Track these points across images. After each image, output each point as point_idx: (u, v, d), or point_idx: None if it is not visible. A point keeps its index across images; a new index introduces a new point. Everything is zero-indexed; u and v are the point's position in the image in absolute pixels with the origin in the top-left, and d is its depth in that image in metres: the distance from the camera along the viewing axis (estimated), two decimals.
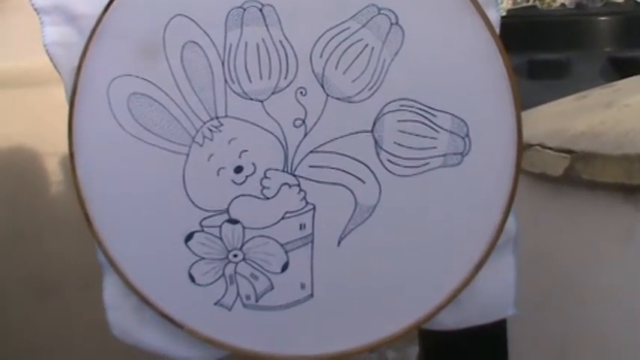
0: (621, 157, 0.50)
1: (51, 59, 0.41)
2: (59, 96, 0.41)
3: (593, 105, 0.62)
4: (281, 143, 0.39)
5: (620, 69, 0.84)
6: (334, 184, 0.39)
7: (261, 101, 0.39)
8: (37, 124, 0.67)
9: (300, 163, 0.39)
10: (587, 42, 0.92)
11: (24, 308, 0.71)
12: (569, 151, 0.54)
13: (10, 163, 0.70)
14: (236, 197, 0.40)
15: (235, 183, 0.40)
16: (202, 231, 0.40)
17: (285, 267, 0.40)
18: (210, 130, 0.39)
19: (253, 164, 0.40)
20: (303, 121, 0.39)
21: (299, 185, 0.40)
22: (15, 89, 0.68)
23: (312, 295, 0.41)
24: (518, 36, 0.85)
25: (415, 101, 0.39)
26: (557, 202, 0.57)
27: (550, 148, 0.56)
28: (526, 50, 0.86)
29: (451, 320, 0.42)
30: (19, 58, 0.68)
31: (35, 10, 0.41)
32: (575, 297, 0.55)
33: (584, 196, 0.54)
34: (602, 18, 0.95)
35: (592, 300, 0.54)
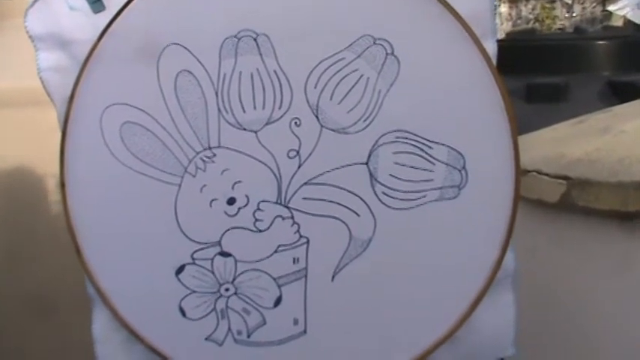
0: (616, 184, 0.50)
1: (44, 87, 0.41)
2: None
3: (589, 130, 0.62)
4: (274, 175, 0.39)
5: (619, 93, 0.84)
6: (328, 216, 0.39)
7: (255, 132, 0.39)
8: (37, 145, 0.67)
9: (293, 195, 0.39)
10: (586, 66, 0.92)
11: (22, 328, 0.70)
12: (565, 178, 0.54)
13: (9, 184, 0.69)
14: (228, 229, 0.39)
15: (228, 215, 0.39)
16: (194, 263, 0.39)
17: (277, 302, 0.40)
18: (203, 161, 0.39)
19: (246, 196, 0.39)
20: (297, 153, 0.39)
21: (292, 218, 0.39)
22: (15, 109, 0.68)
23: (305, 332, 0.40)
24: (516, 59, 0.85)
25: (411, 133, 0.38)
26: (553, 228, 0.57)
27: (546, 175, 0.56)
28: (524, 74, 0.86)
29: (448, 359, 0.41)
30: (19, 78, 0.67)
31: (30, 37, 0.41)
32: (571, 323, 0.55)
33: (579, 222, 0.54)
34: (601, 42, 0.95)
35: (588, 326, 0.54)
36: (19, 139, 0.68)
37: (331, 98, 0.38)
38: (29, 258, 0.69)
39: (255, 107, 0.38)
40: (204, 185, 0.39)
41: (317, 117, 0.38)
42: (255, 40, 0.38)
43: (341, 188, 0.39)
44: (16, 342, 0.70)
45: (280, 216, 0.39)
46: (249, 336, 0.40)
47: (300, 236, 0.39)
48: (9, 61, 0.70)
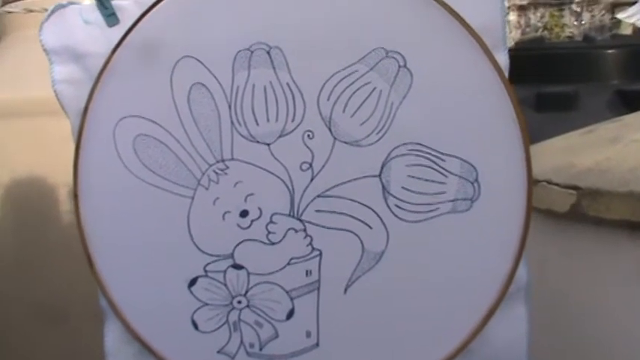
0: (627, 194, 0.50)
1: (58, 99, 0.41)
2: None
3: (599, 140, 0.62)
4: (287, 187, 0.39)
5: (628, 102, 0.83)
6: (341, 229, 0.39)
7: (268, 144, 0.39)
8: (49, 154, 0.67)
9: (306, 207, 0.39)
10: (595, 74, 0.92)
11: (33, 336, 0.70)
12: (575, 188, 0.54)
13: (21, 192, 0.69)
14: (241, 242, 0.39)
15: (241, 227, 0.39)
16: (206, 276, 0.39)
17: (290, 314, 0.40)
18: (216, 173, 0.39)
19: (259, 208, 0.39)
20: (310, 165, 0.39)
21: (305, 230, 0.39)
22: (27, 119, 0.68)
23: (317, 344, 0.40)
24: (526, 68, 0.85)
25: (423, 145, 0.38)
26: (564, 238, 0.56)
27: (556, 184, 0.56)
28: (534, 83, 0.85)
29: None
30: (32, 88, 0.68)
31: (45, 50, 0.41)
32: (583, 334, 0.54)
33: (590, 232, 0.53)
34: (610, 51, 0.95)
35: (600, 337, 0.53)
36: (30, 148, 0.69)
37: (344, 111, 0.38)
38: (40, 266, 0.69)
39: (268, 120, 0.38)
40: (217, 198, 0.39)
41: (330, 129, 0.38)
42: (268, 53, 0.38)
43: (353, 201, 0.39)
44: (26, 349, 0.70)
45: (293, 228, 0.39)
46: (261, 349, 0.40)
47: (313, 249, 0.39)
48: (21, 71, 0.71)
